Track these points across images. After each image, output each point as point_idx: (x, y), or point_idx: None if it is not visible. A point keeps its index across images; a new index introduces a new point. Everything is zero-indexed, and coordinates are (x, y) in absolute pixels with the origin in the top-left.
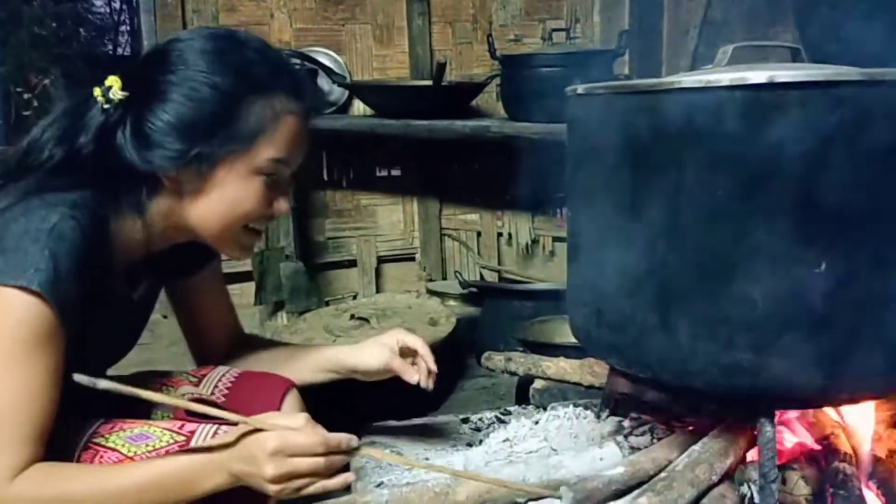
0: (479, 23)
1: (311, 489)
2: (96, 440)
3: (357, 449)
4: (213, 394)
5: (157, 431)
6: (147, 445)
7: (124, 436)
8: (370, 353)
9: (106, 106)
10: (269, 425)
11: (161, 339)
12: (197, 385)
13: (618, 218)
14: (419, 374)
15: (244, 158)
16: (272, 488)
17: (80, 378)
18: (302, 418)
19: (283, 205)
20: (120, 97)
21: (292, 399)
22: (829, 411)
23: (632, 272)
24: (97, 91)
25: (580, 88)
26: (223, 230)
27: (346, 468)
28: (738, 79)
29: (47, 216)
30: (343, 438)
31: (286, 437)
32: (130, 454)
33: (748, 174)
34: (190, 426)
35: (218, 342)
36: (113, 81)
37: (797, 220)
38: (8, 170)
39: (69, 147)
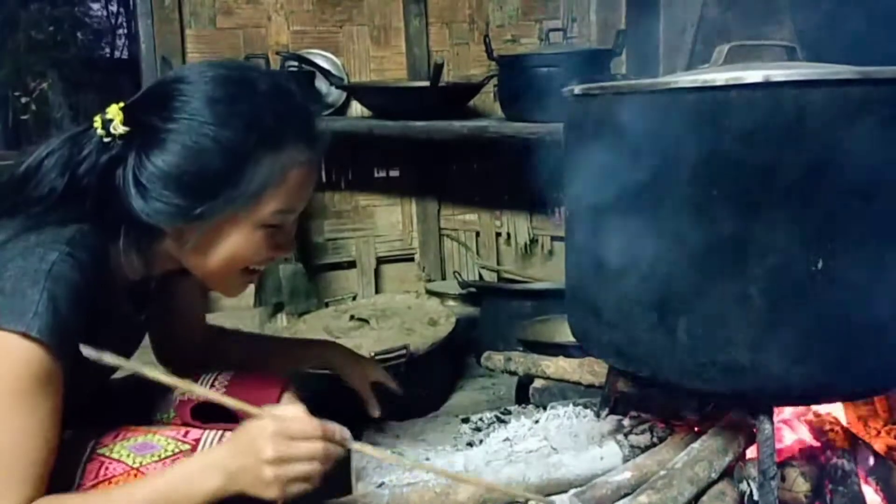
0: (475, 23)
1: (307, 473)
2: (101, 451)
3: (351, 442)
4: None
5: (163, 440)
6: (153, 455)
7: (129, 445)
8: (359, 377)
9: (106, 139)
10: (268, 414)
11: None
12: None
13: (615, 217)
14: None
15: (248, 214)
16: (269, 472)
17: (86, 351)
18: (300, 408)
19: (286, 249)
20: (121, 132)
21: (288, 399)
22: (827, 408)
23: (630, 271)
24: (97, 121)
25: (577, 89)
26: (222, 276)
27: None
28: (734, 78)
29: (45, 256)
30: (337, 429)
31: (285, 421)
32: (136, 465)
33: (745, 173)
34: (194, 433)
35: (190, 344)
36: (114, 114)
37: (794, 219)
38: (2, 196)
39: (70, 179)
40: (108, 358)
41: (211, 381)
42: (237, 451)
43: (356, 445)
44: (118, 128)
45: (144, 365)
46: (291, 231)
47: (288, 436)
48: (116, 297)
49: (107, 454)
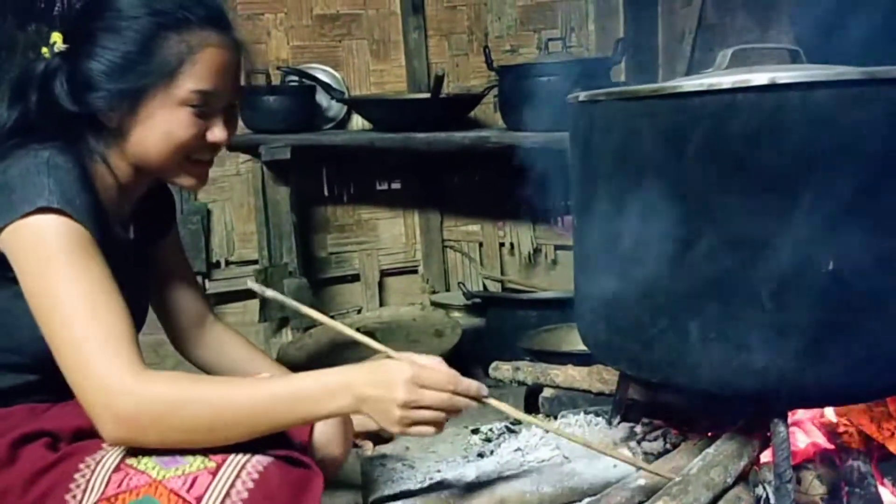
0: (474, 35)
1: (431, 419)
2: (129, 461)
3: (487, 397)
4: None
5: (189, 455)
6: (177, 469)
7: (157, 457)
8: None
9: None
10: (407, 358)
11: (166, 360)
12: None
13: (625, 223)
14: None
15: (167, 92)
16: (397, 413)
17: (251, 284)
18: (438, 359)
19: (217, 133)
20: (62, 49)
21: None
22: (840, 410)
23: (641, 276)
24: (45, 49)
25: (582, 95)
26: (164, 161)
27: None
28: (740, 81)
29: (38, 154)
30: (474, 385)
31: (423, 369)
32: (160, 478)
33: (753, 176)
34: (198, 489)
35: (189, 318)
36: (56, 37)
37: (804, 220)
38: None
39: (22, 107)
40: (270, 293)
41: None
42: (373, 383)
43: (492, 402)
44: (60, 48)
45: (300, 304)
46: (223, 119)
47: (421, 384)
48: (105, 216)
49: (134, 465)
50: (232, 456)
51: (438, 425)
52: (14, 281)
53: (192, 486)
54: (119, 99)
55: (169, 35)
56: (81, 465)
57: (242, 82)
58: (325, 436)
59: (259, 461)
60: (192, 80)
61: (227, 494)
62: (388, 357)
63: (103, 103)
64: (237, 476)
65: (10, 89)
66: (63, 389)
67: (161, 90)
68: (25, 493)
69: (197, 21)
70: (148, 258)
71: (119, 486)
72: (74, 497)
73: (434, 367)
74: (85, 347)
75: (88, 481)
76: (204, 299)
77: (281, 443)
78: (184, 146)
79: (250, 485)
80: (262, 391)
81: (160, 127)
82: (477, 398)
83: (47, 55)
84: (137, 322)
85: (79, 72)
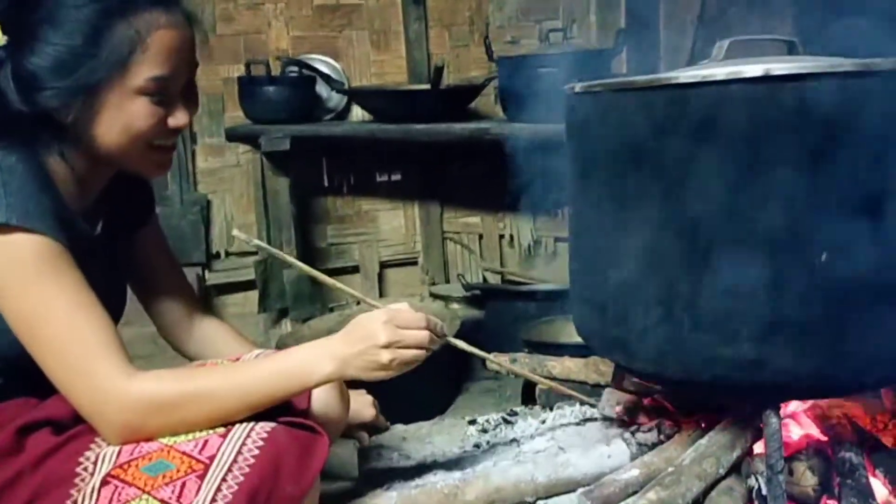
0: (475, 25)
1: (414, 357)
2: (115, 473)
3: (445, 336)
4: None
5: (177, 459)
6: (164, 477)
7: (143, 467)
8: (360, 402)
9: None
10: (379, 306)
11: (165, 350)
12: None
13: (618, 214)
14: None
15: (122, 82)
16: (385, 356)
17: (237, 233)
18: (405, 303)
19: (179, 118)
20: (2, 42)
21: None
22: (833, 402)
23: (634, 267)
24: None
25: (578, 86)
26: (127, 152)
27: None
28: (734, 73)
29: None
30: (438, 322)
31: (395, 311)
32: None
33: (746, 167)
34: (210, 448)
35: (177, 312)
36: None
37: (797, 211)
38: None
39: None
40: (257, 242)
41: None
42: (351, 340)
43: (452, 340)
44: (0, 40)
45: (290, 257)
46: (182, 101)
47: (397, 324)
48: (66, 213)
49: (121, 476)
50: (221, 450)
51: (419, 363)
52: None
53: (203, 447)
54: (70, 96)
55: (115, 22)
56: (92, 444)
57: (197, 56)
58: (323, 401)
59: (266, 424)
60: (147, 67)
61: (239, 452)
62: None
63: (55, 101)
64: (247, 436)
65: None
66: (42, 390)
67: (115, 82)
68: (35, 473)
69: (143, 3)
70: (125, 252)
71: (131, 453)
72: (86, 469)
73: (406, 310)
74: (72, 364)
75: (98, 455)
76: (192, 293)
77: (283, 410)
78: (144, 135)
79: (260, 443)
80: (248, 376)
81: (118, 120)
82: (441, 335)
83: None
84: (114, 317)
85: (23, 69)
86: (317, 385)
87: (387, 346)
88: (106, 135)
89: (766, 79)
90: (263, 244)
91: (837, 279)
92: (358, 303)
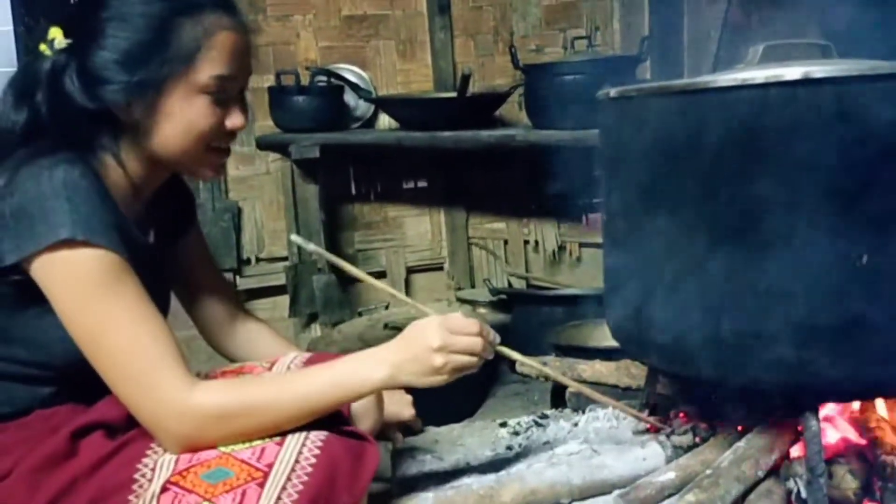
0: (500, 34)
1: (467, 363)
2: (174, 480)
3: (499, 344)
4: None
5: (236, 467)
6: (225, 485)
7: (203, 474)
8: (398, 401)
9: (54, 58)
10: (432, 312)
11: (199, 354)
12: (269, 369)
13: (655, 217)
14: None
15: (186, 80)
16: (439, 359)
17: (295, 238)
18: (459, 312)
19: (236, 119)
20: (64, 45)
21: None
22: (871, 405)
23: (671, 271)
24: (43, 46)
25: (612, 91)
26: (186, 154)
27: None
28: (773, 76)
29: (52, 174)
30: (491, 331)
31: (448, 317)
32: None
33: (788, 170)
34: (268, 456)
35: (219, 315)
36: (55, 33)
37: (839, 215)
38: None
39: (29, 108)
40: (313, 247)
41: (287, 364)
42: (405, 345)
43: (504, 349)
44: (61, 43)
45: (342, 261)
46: (239, 105)
47: (450, 328)
48: (124, 223)
49: (180, 483)
50: (278, 460)
51: (473, 368)
52: (42, 299)
53: (261, 455)
54: (136, 91)
55: (183, 20)
56: (148, 451)
57: (252, 63)
58: (362, 408)
59: (319, 433)
60: (211, 65)
61: (297, 461)
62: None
63: (120, 96)
64: (303, 444)
65: (12, 92)
66: (91, 398)
67: (180, 79)
68: (91, 479)
69: (209, 4)
70: (169, 259)
71: (189, 461)
72: (144, 476)
73: (459, 316)
74: (135, 376)
75: (156, 462)
76: (233, 295)
77: (331, 417)
78: (205, 136)
79: (316, 451)
80: (303, 385)
81: (181, 117)
82: (493, 343)
83: (47, 52)
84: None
85: (90, 65)
86: (370, 392)
87: (440, 350)
88: (168, 134)
89: (806, 82)
90: (321, 249)
91: (877, 281)
92: (387, 306)
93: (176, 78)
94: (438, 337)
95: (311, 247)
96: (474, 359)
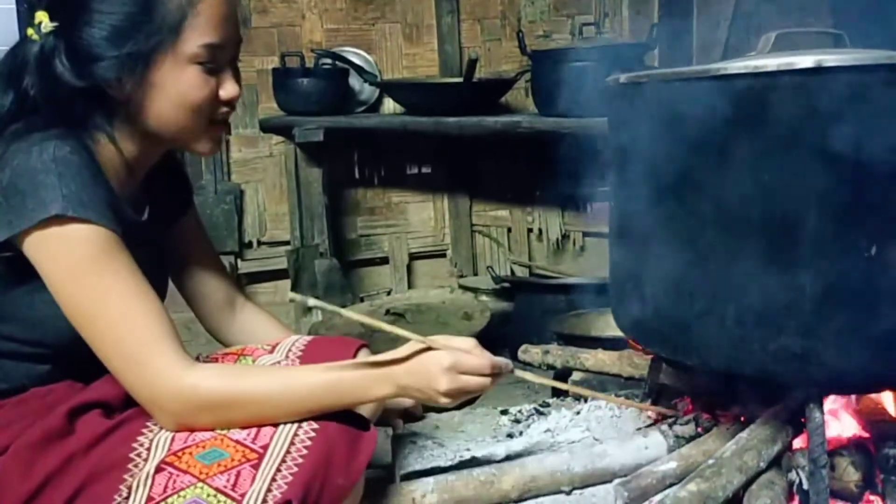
0: (507, 19)
1: (471, 398)
2: (169, 460)
3: (512, 371)
4: (286, 358)
5: (231, 447)
6: (219, 465)
7: (198, 455)
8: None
9: (41, 42)
10: (442, 345)
11: (199, 337)
12: (271, 352)
13: (663, 205)
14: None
15: (174, 50)
16: (443, 401)
17: (293, 296)
18: (472, 342)
19: (230, 88)
20: (51, 28)
21: (364, 357)
22: (877, 397)
23: (678, 259)
24: (30, 31)
25: (622, 77)
26: (181, 127)
27: None
28: (785, 64)
29: (43, 150)
30: (503, 362)
31: (460, 356)
32: (202, 476)
33: (797, 159)
34: (263, 437)
35: (218, 301)
36: (41, 17)
37: (847, 205)
38: None
39: (16, 91)
40: (312, 302)
41: (288, 347)
42: (413, 374)
43: (519, 372)
44: (48, 26)
45: (341, 308)
46: (231, 74)
47: (460, 371)
48: (116, 201)
49: (175, 464)
50: (275, 437)
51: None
52: (34, 276)
53: (256, 437)
54: (127, 65)
55: None
56: (144, 430)
57: (241, 31)
58: None
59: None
60: (199, 33)
61: (292, 443)
62: (414, 343)
63: (111, 72)
64: (298, 426)
65: (2, 76)
66: (87, 376)
67: (168, 50)
68: (87, 457)
69: None
70: (165, 240)
71: (185, 441)
72: (139, 455)
73: (472, 353)
74: (128, 353)
75: (152, 441)
76: (231, 281)
77: None
78: (199, 107)
79: (311, 434)
80: (304, 384)
81: (173, 89)
82: (508, 372)
83: (35, 37)
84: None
85: (78, 44)
86: (372, 402)
87: (446, 394)
88: (161, 108)
89: (819, 70)
90: (320, 303)
91: (886, 272)
92: (389, 292)
93: (164, 49)
94: (445, 381)
95: (310, 302)
96: (479, 394)
